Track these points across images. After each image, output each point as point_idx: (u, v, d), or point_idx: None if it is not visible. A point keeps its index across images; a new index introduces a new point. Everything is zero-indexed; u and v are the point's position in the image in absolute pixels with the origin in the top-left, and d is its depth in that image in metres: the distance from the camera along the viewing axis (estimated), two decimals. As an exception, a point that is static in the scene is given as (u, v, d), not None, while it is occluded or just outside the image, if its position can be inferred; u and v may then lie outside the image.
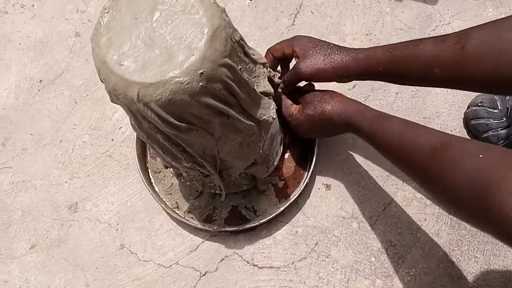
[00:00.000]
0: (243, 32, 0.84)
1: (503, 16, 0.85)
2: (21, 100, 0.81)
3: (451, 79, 0.52)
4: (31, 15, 0.86)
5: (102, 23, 0.39)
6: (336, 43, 0.62)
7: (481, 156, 0.39)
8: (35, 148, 0.78)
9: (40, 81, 0.82)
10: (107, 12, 0.39)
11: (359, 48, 0.60)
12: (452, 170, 0.41)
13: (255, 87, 0.50)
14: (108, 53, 0.38)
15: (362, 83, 0.81)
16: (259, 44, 0.84)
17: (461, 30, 0.52)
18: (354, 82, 0.81)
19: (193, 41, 0.38)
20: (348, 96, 0.63)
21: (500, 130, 0.73)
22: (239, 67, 0.44)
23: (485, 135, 0.74)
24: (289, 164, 0.75)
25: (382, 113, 0.56)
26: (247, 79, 0.45)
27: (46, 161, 0.77)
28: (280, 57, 0.66)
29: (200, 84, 0.38)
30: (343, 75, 0.60)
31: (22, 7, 0.88)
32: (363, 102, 0.77)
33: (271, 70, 0.60)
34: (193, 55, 0.37)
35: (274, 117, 0.52)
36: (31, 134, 0.79)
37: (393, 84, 0.80)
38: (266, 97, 0.51)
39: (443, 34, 0.53)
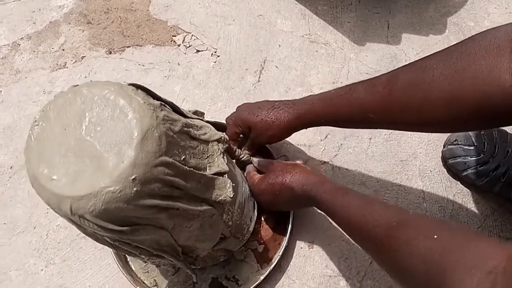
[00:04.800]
0: (209, 94, 0.84)
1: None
2: (-8, 189, 0.80)
3: (386, 122, 0.55)
4: (-1, 102, 0.86)
5: (32, 136, 0.39)
6: (280, 99, 0.67)
7: (435, 237, 0.38)
8: (8, 237, 0.76)
9: (11, 167, 0.81)
10: (37, 125, 0.39)
11: (298, 102, 0.64)
12: (406, 251, 0.39)
13: (207, 170, 0.48)
14: (38, 168, 0.37)
15: (334, 132, 0.80)
16: (227, 104, 0.84)
17: (392, 71, 0.53)
18: (326, 131, 0.80)
19: (122, 147, 0.37)
20: (310, 169, 0.63)
21: (479, 167, 0.71)
22: (183, 157, 0.43)
23: (465, 173, 0.72)
24: (267, 226, 0.73)
25: (342, 186, 0.55)
26: (193, 168, 0.44)
27: (20, 249, 0.75)
28: (238, 138, 0.71)
29: (134, 189, 0.37)
30: (291, 132, 0.66)
31: (-10, 93, 0.89)
32: (337, 152, 0.77)
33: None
34: (123, 161, 0.36)
35: (232, 196, 0.50)
36: (4, 223, 0.77)
37: (366, 130, 0.80)
38: (221, 177, 0.50)
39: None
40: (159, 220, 0.43)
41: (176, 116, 0.45)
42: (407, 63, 0.84)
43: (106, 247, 0.73)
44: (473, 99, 0.43)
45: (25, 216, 0.78)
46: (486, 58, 0.42)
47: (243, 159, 0.68)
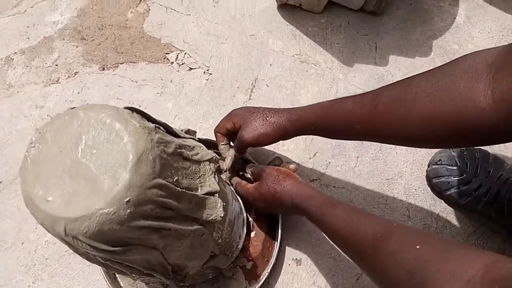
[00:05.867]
0: (201, 111, 0.85)
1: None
2: (-19, 203, 0.80)
3: (370, 134, 0.57)
4: (-10, 116, 0.87)
5: (28, 158, 0.39)
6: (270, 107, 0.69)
7: (418, 247, 0.40)
8: (-4, 252, 0.76)
9: (0, 182, 0.81)
10: (33, 147, 0.40)
11: (292, 108, 0.66)
12: (391, 261, 0.41)
13: (198, 190, 0.49)
14: (34, 189, 0.38)
15: (323, 150, 0.82)
16: (218, 121, 0.85)
17: (380, 88, 0.56)
18: (315, 150, 0.82)
19: (117, 170, 0.38)
20: (301, 179, 0.65)
21: (462, 186, 0.73)
22: (176, 178, 0.44)
23: (448, 192, 0.74)
24: (256, 242, 0.74)
25: (330, 199, 0.57)
26: (185, 189, 0.45)
27: (8, 265, 0.75)
28: (225, 133, 0.71)
29: (128, 211, 0.38)
30: (282, 135, 0.66)
31: (-18, 107, 0.89)
32: (325, 171, 0.78)
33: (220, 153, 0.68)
34: (118, 184, 0.37)
35: (222, 215, 0.51)
36: (-7, 238, 0.77)
37: (353, 149, 0.82)
38: (212, 196, 0.51)
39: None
40: (151, 240, 0.43)
41: (169, 137, 0.46)
42: (393, 84, 0.88)
43: (84, 258, 0.74)
44: (452, 117, 0.46)
45: (14, 231, 0.77)
46: (464, 80, 0.45)
47: (227, 163, 0.70)
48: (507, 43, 0.45)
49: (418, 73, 0.52)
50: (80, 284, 0.73)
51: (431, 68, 0.89)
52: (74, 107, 0.43)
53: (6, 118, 0.86)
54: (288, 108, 0.67)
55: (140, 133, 0.40)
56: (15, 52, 0.93)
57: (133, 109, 0.44)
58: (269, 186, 0.63)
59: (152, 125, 0.43)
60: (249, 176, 0.71)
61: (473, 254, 0.36)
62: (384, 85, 0.87)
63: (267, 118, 0.66)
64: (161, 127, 0.47)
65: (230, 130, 0.70)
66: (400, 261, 0.40)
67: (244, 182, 0.70)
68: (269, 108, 0.68)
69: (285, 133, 0.66)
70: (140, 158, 0.39)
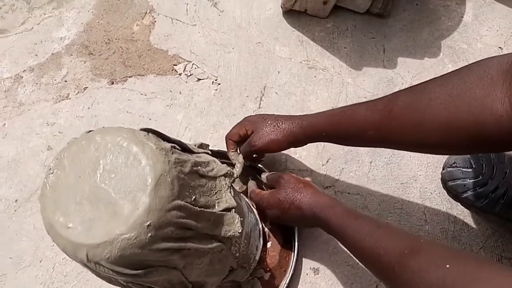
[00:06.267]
0: (212, 121, 0.85)
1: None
2: (-2, 223, 0.80)
3: (383, 140, 0.56)
4: (3, 135, 0.87)
5: (47, 184, 0.39)
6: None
7: (447, 266, 0.39)
8: (14, 272, 0.76)
9: (16, 200, 0.82)
10: (52, 173, 0.40)
11: (304, 115, 0.65)
12: (418, 280, 0.40)
13: (216, 207, 0.49)
14: (54, 216, 0.38)
15: (335, 157, 0.81)
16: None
17: (393, 93, 0.56)
18: (328, 156, 0.81)
19: (137, 194, 0.38)
20: (320, 189, 0.64)
21: (478, 189, 0.73)
22: (194, 197, 0.44)
23: (465, 195, 0.74)
24: (273, 253, 0.74)
25: (352, 210, 0.56)
26: (203, 207, 0.45)
27: (27, 284, 0.75)
28: (238, 140, 0.71)
29: (149, 235, 0.38)
30: (292, 141, 0.65)
31: (-6, 126, 0.89)
32: (338, 177, 0.78)
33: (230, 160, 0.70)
34: (138, 208, 0.37)
35: (240, 230, 0.51)
36: (10, 258, 0.77)
37: (366, 154, 0.81)
38: (229, 212, 0.51)
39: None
40: (172, 261, 0.43)
41: (185, 156, 0.46)
42: (403, 86, 0.87)
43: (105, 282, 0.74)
44: (467, 124, 0.45)
45: (31, 249, 0.78)
46: (480, 88, 0.44)
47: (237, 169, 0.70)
48: None
49: (430, 78, 0.52)
50: (98, 300, 0.73)
51: (441, 69, 0.88)
52: (90, 131, 0.43)
53: (18, 136, 0.87)
54: (300, 115, 0.67)
55: (158, 155, 0.40)
56: (24, 70, 0.94)
57: (148, 130, 0.44)
58: (288, 193, 0.62)
59: (168, 145, 0.43)
60: (264, 181, 0.71)
61: (505, 273, 0.35)
62: (394, 88, 0.87)
63: (278, 125, 0.66)
64: (176, 145, 0.47)
65: (242, 136, 0.70)
66: (429, 280, 0.39)
67: (258, 189, 0.70)
68: (282, 115, 0.68)
69: (296, 139, 0.65)
70: (158, 181, 0.39)
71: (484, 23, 0.93)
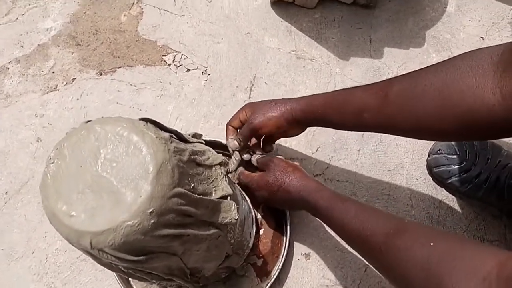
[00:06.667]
0: (202, 112, 0.86)
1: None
2: (-12, 215, 0.80)
3: (379, 124, 0.57)
4: (-10, 128, 0.86)
5: (48, 174, 0.40)
6: None
7: (432, 244, 0.41)
8: (7, 263, 0.76)
9: (6, 192, 0.81)
10: (52, 163, 0.40)
11: (302, 97, 0.66)
12: (404, 258, 0.42)
13: (213, 195, 0.50)
14: (57, 205, 0.39)
15: (325, 145, 0.83)
16: (220, 122, 0.86)
17: (389, 79, 0.57)
18: (317, 145, 0.83)
19: (139, 182, 0.39)
20: (307, 173, 0.65)
21: (462, 174, 0.75)
22: (192, 185, 0.45)
23: (449, 181, 0.76)
24: (265, 240, 0.75)
25: (339, 194, 0.58)
26: (201, 195, 0.46)
27: (20, 275, 0.75)
28: (238, 126, 0.71)
29: (152, 221, 0.39)
30: (289, 119, 0.65)
31: (-19, 119, 0.88)
32: (328, 165, 0.80)
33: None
34: (141, 196, 0.38)
35: (237, 217, 0.52)
36: (2, 249, 0.77)
37: (354, 142, 0.83)
38: (226, 200, 0.52)
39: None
40: (172, 247, 0.45)
41: (183, 145, 0.47)
42: (390, 76, 0.89)
43: (106, 268, 0.75)
44: (460, 111, 0.47)
45: (23, 241, 0.78)
46: (472, 77, 0.46)
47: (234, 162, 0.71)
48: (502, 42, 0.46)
49: (423, 67, 0.54)
50: (93, 290, 0.74)
51: (426, 59, 0.91)
52: (89, 121, 0.43)
53: (6, 128, 0.86)
54: (296, 98, 0.67)
55: (158, 144, 0.41)
56: (10, 61, 0.92)
57: (147, 120, 0.44)
58: (277, 176, 0.64)
59: (167, 134, 0.44)
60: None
61: (487, 251, 0.37)
62: (381, 77, 0.89)
63: (277, 104, 0.67)
64: (173, 135, 0.48)
65: (242, 121, 0.70)
66: (414, 257, 0.41)
67: (247, 171, 0.70)
68: (281, 98, 0.69)
69: (292, 117, 0.65)
70: (160, 169, 0.39)
71: (467, 13, 0.96)
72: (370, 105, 0.56)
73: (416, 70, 0.54)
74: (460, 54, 0.49)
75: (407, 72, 0.55)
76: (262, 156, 0.71)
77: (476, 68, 0.45)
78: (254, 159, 0.71)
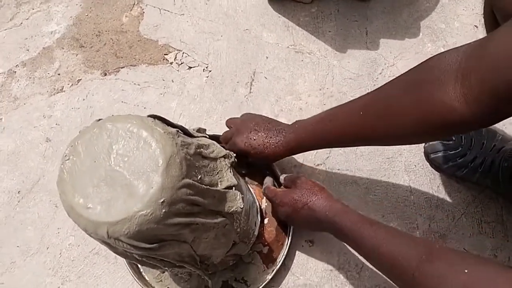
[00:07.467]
0: (205, 108, 0.89)
1: (442, 49, 0.92)
2: (2, 214, 0.83)
3: (363, 143, 0.66)
4: (1, 129, 0.89)
5: (64, 170, 0.43)
6: (272, 118, 0.74)
7: (466, 271, 0.41)
8: (23, 259, 0.79)
9: (19, 192, 0.84)
10: (68, 159, 0.43)
11: (289, 127, 0.69)
12: (439, 286, 0.42)
13: (219, 185, 0.53)
14: (74, 198, 0.42)
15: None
16: (222, 116, 0.89)
17: (365, 98, 0.61)
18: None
19: (150, 174, 0.42)
20: (333, 195, 0.66)
21: (458, 159, 0.78)
22: (199, 176, 0.48)
23: (446, 166, 0.79)
24: (270, 228, 0.78)
25: (365, 217, 0.59)
26: (208, 185, 0.49)
27: (36, 270, 0.79)
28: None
29: (163, 211, 0.41)
30: (279, 158, 0.71)
31: (-9, 121, 0.91)
32: (328, 155, 0.83)
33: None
34: (152, 187, 0.41)
35: (242, 206, 0.55)
36: (18, 246, 0.80)
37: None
38: (231, 190, 0.55)
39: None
40: (182, 235, 0.47)
41: (189, 139, 0.50)
42: (386, 66, 0.92)
43: (118, 261, 0.78)
44: (435, 124, 0.49)
45: (37, 237, 0.81)
46: (437, 89, 0.47)
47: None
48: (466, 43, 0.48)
49: (388, 81, 0.57)
50: (107, 282, 0.77)
51: (422, 49, 0.92)
52: (100, 119, 0.46)
53: (16, 130, 0.89)
54: (286, 126, 0.71)
55: (166, 138, 0.44)
56: (16, 65, 0.95)
57: (154, 116, 0.47)
58: (303, 194, 0.65)
59: (173, 129, 0.47)
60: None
61: None
62: (377, 68, 0.92)
63: (265, 145, 0.69)
64: (179, 130, 0.50)
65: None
66: (450, 285, 0.41)
67: (273, 187, 0.73)
68: (270, 121, 0.72)
69: (282, 157, 0.71)
70: (169, 162, 0.42)
71: (460, 2, 0.98)
72: (351, 132, 0.61)
73: (387, 88, 0.57)
74: (421, 64, 0.51)
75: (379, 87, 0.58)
76: (290, 174, 0.73)
77: (440, 78, 0.47)
78: (282, 177, 0.73)
